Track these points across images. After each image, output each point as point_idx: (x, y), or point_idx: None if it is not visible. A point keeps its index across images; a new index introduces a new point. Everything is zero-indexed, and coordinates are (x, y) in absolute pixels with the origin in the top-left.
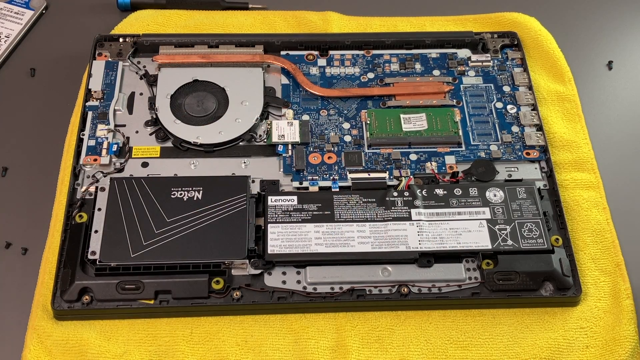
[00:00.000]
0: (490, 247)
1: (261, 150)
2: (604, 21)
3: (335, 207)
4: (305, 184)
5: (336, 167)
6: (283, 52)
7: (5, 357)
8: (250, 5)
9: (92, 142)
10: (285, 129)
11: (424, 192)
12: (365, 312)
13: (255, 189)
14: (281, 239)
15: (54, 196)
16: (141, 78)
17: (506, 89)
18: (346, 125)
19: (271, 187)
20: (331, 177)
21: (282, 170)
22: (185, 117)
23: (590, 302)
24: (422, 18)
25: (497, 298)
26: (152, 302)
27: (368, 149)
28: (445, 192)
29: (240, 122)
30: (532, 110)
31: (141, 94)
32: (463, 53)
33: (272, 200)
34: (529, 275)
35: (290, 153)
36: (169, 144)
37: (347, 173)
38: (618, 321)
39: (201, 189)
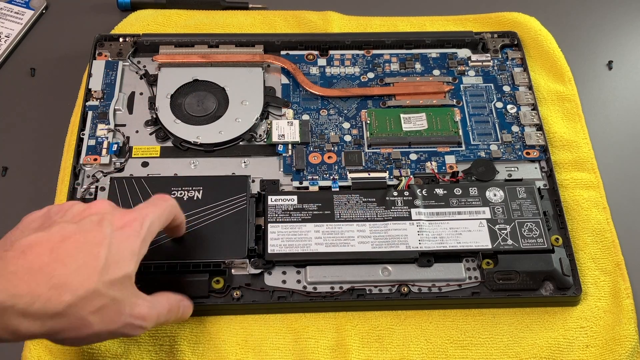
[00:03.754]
0: (490, 246)
1: (261, 150)
2: (604, 21)
3: (335, 207)
4: (305, 183)
5: (336, 167)
6: (283, 52)
7: (5, 357)
8: (250, 5)
9: (92, 142)
10: (285, 128)
11: (424, 192)
12: (365, 312)
13: (255, 188)
14: (281, 238)
15: (54, 196)
16: (141, 78)
17: (506, 88)
18: (346, 125)
19: (271, 186)
20: (331, 177)
21: (282, 170)
22: (185, 117)
23: (590, 301)
24: (422, 18)
25: (497, 297)
26: None
27: (368, 149)
28: (445, 191)
29: (240, 122)
30: (532, 110)
31: (141, 93)
32: (463, 53)
33: (272, 199)
34: (529, 275)
35: (290, 153)
36: (169, 143)
37: (347, 173)
38: (618, 321)
39: (201, 188)
